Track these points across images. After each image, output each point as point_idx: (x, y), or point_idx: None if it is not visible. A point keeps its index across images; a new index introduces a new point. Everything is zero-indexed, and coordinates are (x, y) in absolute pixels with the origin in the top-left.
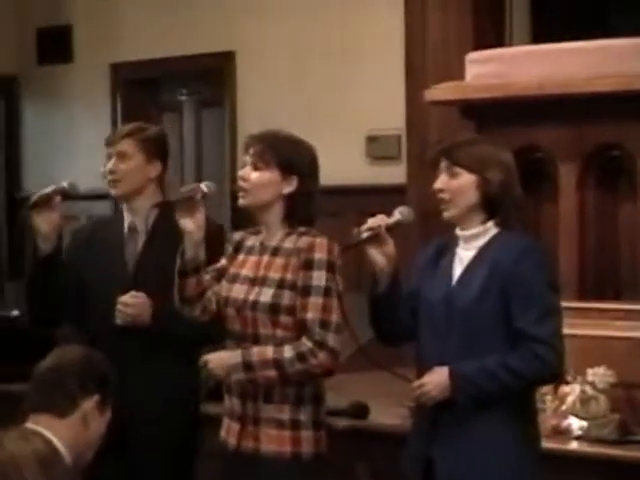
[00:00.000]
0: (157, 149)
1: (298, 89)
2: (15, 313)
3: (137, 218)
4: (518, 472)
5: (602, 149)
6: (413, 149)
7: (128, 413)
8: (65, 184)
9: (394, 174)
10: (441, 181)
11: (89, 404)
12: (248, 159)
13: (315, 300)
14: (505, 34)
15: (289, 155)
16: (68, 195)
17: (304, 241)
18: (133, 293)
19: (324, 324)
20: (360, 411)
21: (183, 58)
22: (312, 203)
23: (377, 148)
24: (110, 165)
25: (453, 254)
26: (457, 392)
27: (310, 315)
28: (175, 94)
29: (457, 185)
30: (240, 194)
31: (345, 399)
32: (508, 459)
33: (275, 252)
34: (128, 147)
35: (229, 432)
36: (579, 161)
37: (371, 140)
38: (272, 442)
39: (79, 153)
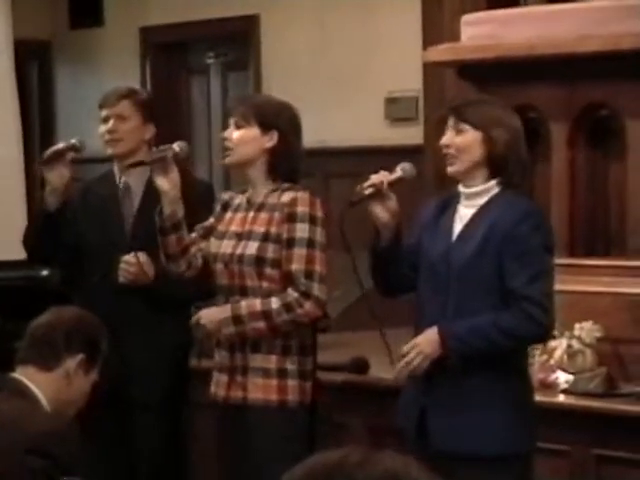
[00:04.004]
0: (151, 112)
1: (320, 52)
2: (45, 273)
3: (130, 178)
4: (510, 424)
5: (591, 108)
6: (430, 110)
7: (124, 367)
8: (74, 140)
9: (412, 135)
10: (447, 137)
11: (72, 362)
12: (231, 120)
13: (299, 251)
14: None
15: (268, 112)
16: (77, 151)
17: (287, 196)
18: (136, 253)
19: (308, 274)
20: (360, 366)
21: (210, 22)
22: (294, 159)
23: (396, 109)
24: (110, 125)
25: (454, 211)
26: (448, 350)
27: (295, 266)
28: (203, 57)
29: (462, 141)
30: (225, 153)
31: (347, 355)
32: (500, 411)
33: (260, 208)
34: (126, 109)
35: (218, 385)
36: (570, 120)
37: (390, 102)
38: (259, 391)
39: None
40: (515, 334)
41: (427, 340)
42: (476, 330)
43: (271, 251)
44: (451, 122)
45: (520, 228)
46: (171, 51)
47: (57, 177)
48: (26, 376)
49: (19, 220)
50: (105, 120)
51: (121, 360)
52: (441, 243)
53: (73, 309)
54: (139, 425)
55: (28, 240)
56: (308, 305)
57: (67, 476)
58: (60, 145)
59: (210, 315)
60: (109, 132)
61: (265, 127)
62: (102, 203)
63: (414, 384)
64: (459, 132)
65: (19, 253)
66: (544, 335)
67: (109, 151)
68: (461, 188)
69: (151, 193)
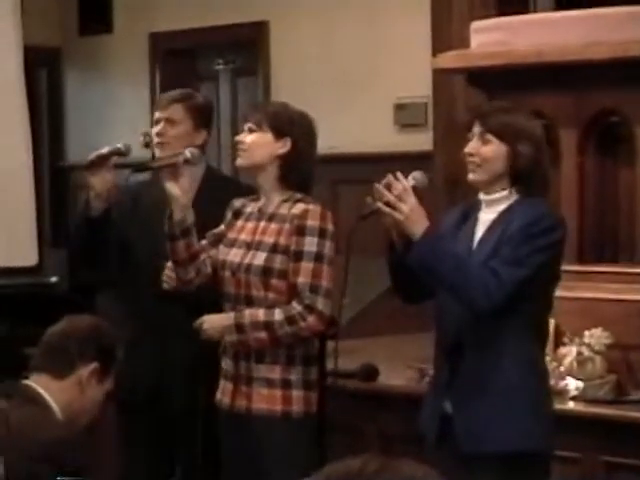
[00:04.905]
0: (204, 117)
1: (329, 58)
2: (54, 279)
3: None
4: (528, 425)
5: (601, 115)
6: (439, 116)
7: (167, 372)
8: (120, 145)
9: (421, 141)
10: (472, 146)
11: (86, 370)
12: (245, 126)
13: (306, 265)
14: (529, 1)
15: (282, 119)
16: (122, 155)
17: (298, 208)
18: None
19: (314, 288)
20: (370, 373)
21: (219, 28)
22: (306, 167)
23: (405, 116)
24: (159, 128)
25: (476, 218)
26: (420, 242)
27: (301, 279)
28: (212, 64)
29: (488, 152)
30: (238, 154)
31: (356, 362)
32: (518, 412)
33: (271, 218)
34: (177, 113)
35: (224, 392)
36: (579, 127)
37: (399, 108)
38: (263, 401)
39: (120, 123)
40: (467, 286)
41: (420, 210)
42: (451, 256)
43: (279, 262)
44: (477, 130)
45: (529, 230)
46: (180, 57)
47: (100, 182)
48: (39, 384)
49: (28, 227)
50: (156, 123)
51: (162, 366)
52: (462, 250)
53: (87, 318)
54: (179, 429)
55: (71, 246)
56: (311, 319)
57: None
58: (104, 150)
59: (213, 321)
60: (157, 135)
61: (278, 134)
62: (150, 208)
63: (435, 390)
64: (485, 142)
65: (28, 260)
66: (482, 310)
67: (158, 155)
68: (481, 196)
69: (200, 200)
